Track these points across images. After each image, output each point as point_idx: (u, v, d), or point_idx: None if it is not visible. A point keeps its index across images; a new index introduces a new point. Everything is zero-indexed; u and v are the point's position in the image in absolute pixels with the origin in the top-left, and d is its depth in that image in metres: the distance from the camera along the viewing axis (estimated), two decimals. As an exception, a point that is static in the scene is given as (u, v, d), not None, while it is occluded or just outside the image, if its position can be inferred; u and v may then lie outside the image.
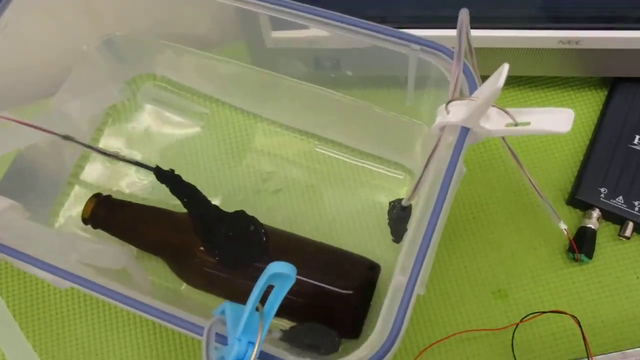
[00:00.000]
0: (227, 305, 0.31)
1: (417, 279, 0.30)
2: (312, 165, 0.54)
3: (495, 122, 0.32)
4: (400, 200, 0.44)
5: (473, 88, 0.34)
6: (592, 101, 0.56)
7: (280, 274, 0.27)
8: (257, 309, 0.28)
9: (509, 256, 0.51)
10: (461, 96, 0.34)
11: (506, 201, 0.53)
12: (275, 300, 0.28)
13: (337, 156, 0.54)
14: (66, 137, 0.43)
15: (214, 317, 0.31)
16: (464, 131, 0.33)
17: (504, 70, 0.27)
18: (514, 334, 0.48)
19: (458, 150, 0.33)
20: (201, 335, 0.30)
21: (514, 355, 0.47)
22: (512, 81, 0.57)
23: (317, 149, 0.55)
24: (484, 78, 0.32)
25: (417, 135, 0.47)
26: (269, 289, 0.29)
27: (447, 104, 0.34)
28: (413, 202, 0.42)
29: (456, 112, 0.33)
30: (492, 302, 0.50)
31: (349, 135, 0.53)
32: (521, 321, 0.48)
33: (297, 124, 0.55)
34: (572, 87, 0.57)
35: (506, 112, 0.31)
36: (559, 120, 0.30)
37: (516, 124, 0.31)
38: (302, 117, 0.54)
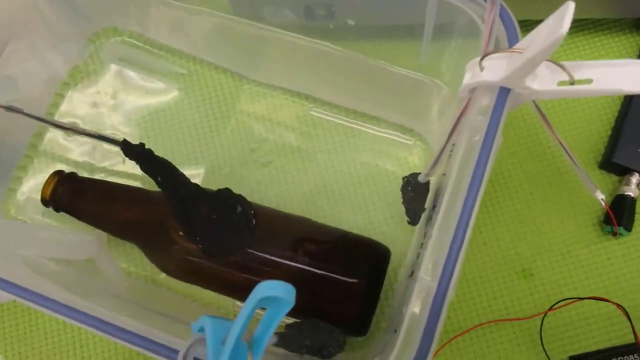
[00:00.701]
0: (208, 322, 0.24)
1: (451, 283, 0.24)
2: (308, 131, 0.47)
3: (544, 80, 0.25)
4: (415, 175, 0.38)
5: (513, 38, 0.26)
6: (627, 46, 0.49)
7: (274, 298, 0.20)
8: (244, 338, 0.22)
9: (534, 230, 0.45)
10: (497, 48, 0.27)
11: (529, 166, 0.46)
12: (268, 327, 0.22)
13: (335, 120, 0.47)
14: (10, 108, 0.36)
15: (192, 337, 0.25)
16: (504, 93, 0.26)
17: (569, 10, 0.20)
18: (542, 323, 0.42)
19: (497, 117, 0.26)
20: (175, 360, 0.24)
21: (542, 344, 0.41)
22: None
23: (313, 112, 0.47)
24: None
25: (433, 97, 0.40)
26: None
27: (482, 58, 0.27)
28: (432, 178, 0.35)
29: (493, 69, 0.25)
30: (515, 282, 0.44)
31: (350, 95, 0.46)
32: (550, 309, 0.42)
33: (289, 84, 0.47)
34: (603, 31, 0.50)
35: (561, 67, 0.24)
36: (631, 75, 0.23)
37: (573, 82, 0.24)
38: (295, 76, 0.47)
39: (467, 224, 0.25)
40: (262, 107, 0.48)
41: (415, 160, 0.46)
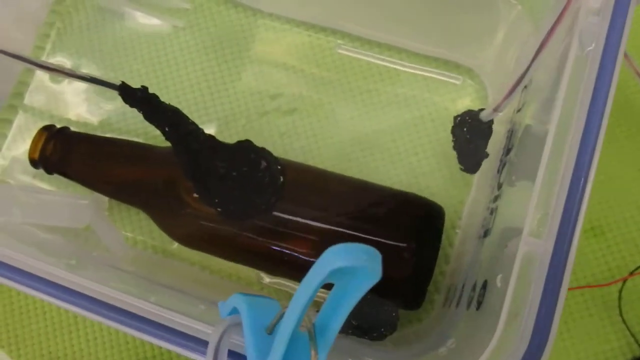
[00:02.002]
0: (243, 303, 0.18)
1: (573, 243, 0.17)
2: (335, 72, 0.40)
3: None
4: (473, 112, 0.31)
5: None
6: None
7: (351, 269, 0.14)
8: (302, 325, 0.16)
9: (606, 181, 0.38)
10: None
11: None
12: (338, 310, 0.15)
13: (368, 58, 0.40)
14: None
15: (222, 323, 0.18)
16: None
17: None
18: (621, 290, 0.36)
19: (623, 14, 0.19)
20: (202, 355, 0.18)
21: (621, 314, 0.35)
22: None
23: (341, 50, 0.40)
24: None
25: (499, 19, 0.33)
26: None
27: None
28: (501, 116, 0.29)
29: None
30: (584, 242, 0.37)
31: (384, 26, 0.39)
32: (630, 275, 0.35)
33: (312, 16, 0.40)
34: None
35: None
36: None
37: None
38: (318, 6, 0.40)
39: (589, 163, 0.18)
40: (281, 47, 0.41)
41: (465, 103, 0.39)
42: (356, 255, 0.14)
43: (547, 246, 0.18)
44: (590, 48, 0.20)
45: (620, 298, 0.36)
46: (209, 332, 0.19)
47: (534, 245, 0.18)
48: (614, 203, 0.38)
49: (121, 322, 0.20)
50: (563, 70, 0.20)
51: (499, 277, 0.20)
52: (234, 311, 0.19)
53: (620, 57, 0.20)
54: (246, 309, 0.18)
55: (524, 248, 0.18)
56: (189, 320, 0.19)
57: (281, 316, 0.17)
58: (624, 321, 0.35)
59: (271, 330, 0.17)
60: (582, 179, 0.19)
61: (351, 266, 0.14)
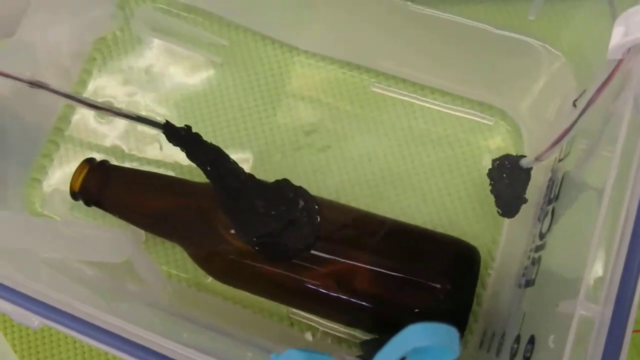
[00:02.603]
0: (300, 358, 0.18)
1: (631, 313, 0.18)
2: (369, 109, 0.41)
3: None
4: (512, 157, 0.31)
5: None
6: None
7: (430, 348, 0.14)
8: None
9: None
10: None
11: None
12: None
13: (402, 97, 0.41)
14: (34, 84, 0.30)
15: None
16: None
17: None
18: None
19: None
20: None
21: None
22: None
23: (375, 89, 0.41)
24: None
25: (540, 68, 0.33)
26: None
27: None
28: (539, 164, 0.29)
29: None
30: None
31: (420, 66, 0.40)
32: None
33: (346, 54, 0.41)
34: None
35: None
36: None
37: None
38: (353, 44, 0.40)
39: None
40: (316, 83, 0.41)
41: (497, 143, 0.39)
42: (438, 336, 0.14)
43: (605, 312, 0.18)
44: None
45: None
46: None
47: (591, 311, 0.18)
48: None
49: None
50: (619, 130, 0.21)
51: (552, 337, 0.20)
52: (288, 364, 0.19)
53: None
54: (302, 363, 0.18)
55: (580, 312, 0.18)
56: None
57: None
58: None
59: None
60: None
61: (428, 346, 0.14)
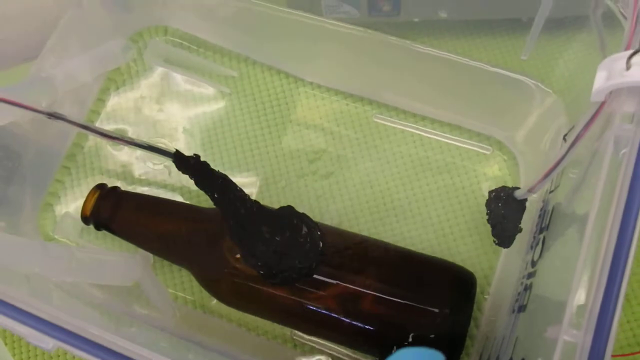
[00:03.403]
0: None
1: (610, 337, 0.19)
2: (371, 139, 0.42)
3: None
4: (507, 189, 0.33)
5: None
6: None
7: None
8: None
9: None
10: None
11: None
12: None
13: (403, 127, 0.42)
14: (52, 115, 0.32)
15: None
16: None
17: None
18: None
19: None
20: None
21: None
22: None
23: (377, 119, 0.43)
24: None
25: (533, 104, 0.35)
26: None
27: (631, 56, 0.22)
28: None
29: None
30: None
31: (420, 99, 0.41)
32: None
33: (351, 87, 0.43)
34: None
35: None
36: None
37: None
38: (357, 77, 0.42)
39: (626, 257, 0.20)
40: (320, 113, 0.43)
41: (494, 172, 0.41)
42: None
43: (586, 338, 0.19)
44: (625, 151, 0.22)
45: (648, 370, 0.36)
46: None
47: (573, 337, 0.20)
48: (638, 270, 0.39)
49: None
50: (600, 167, 0.22)
51: (539, 360, 0.21)
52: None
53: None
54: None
55: (564, 337, 0.20)
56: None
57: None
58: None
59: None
60: (619, 273, 0.20)
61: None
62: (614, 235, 0.20)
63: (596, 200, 0.21)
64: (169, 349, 0.32)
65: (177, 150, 0.34)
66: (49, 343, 0.22)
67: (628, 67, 0.22)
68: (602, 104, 0.24)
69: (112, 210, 0.38)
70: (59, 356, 0.40)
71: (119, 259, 0.35)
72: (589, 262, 0.21)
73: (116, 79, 0.44)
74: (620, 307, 0.20)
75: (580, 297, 0.20)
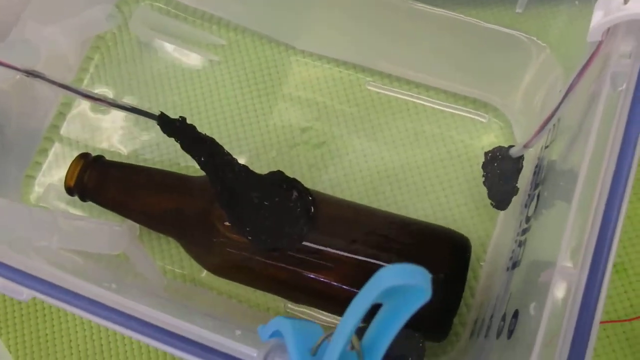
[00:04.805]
0: (287, 326, 0.19)
1: (607, 271, 0.18)
2: (364, 107, 0.41)
3: None
4: (503, 148, 0.32)
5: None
6: None
7: (402, 288, 0.14)
8: (351, 346, 0.16)
9: (626, 219, 0.38)
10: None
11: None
12: (387, 330, 0.16)
13: (397, 95, 0.41)
14: (30, 73, 0.30)
15: (266, 344, 0.19)
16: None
17: None
18: None
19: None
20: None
21: None
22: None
23: (370, 87, 0.42)
24: None
25: (528, 61, 0.34)
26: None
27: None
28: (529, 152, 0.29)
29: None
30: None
31: (414, 65, 0.40)
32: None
33: (343, 54, 0.42)
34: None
35: None
36: None
37: None
38: (350, 44, 0.41)
39: (622, 195, 0.19)
40: (312, 82, 0.42)
41: (490, 139, 0.40)
42: (410, 274, 0.14)
43: (581, 276, 0.18)
44: (622, 88, 0.21)
45: (648, 339, 0.35)
46: (252, 355, 0.19)
47: (568, 275, 0.19)
48: (636, 240, 0.38)
49: (164, 342, 0.20)
50: (596, 107, 0.21)
51: (532, 305, 0.20)
52: (276, 334, 0.19)
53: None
54: (291, 330, 0.18)
55: (558, 277, 0.19)
56: (232, 343, 0.20)
57: (325, 338, 0.17)
58: (652, 361, 0.35)
59: (315, 352, 0.18)
60: (615, 212, 0.19)
61: (404, 285, 0.14)
62: (609, 172, 0.19)
63: (592, 137, 0.20)
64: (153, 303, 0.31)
65: (162, 113, 0.33)
66: (22, 293, 0.21)
67: (626, 1, 0.21)
68: (600, 43, 0.23)
69: (97, 180, 0.36)
70: (46, 335, 0.39)
71: (105, 228, 0.34)
72: (583, 206, 0.20)
73: (100, 46, 0.43)
74: (616, 244, 0.19)
75: (574, 238, 0.19)
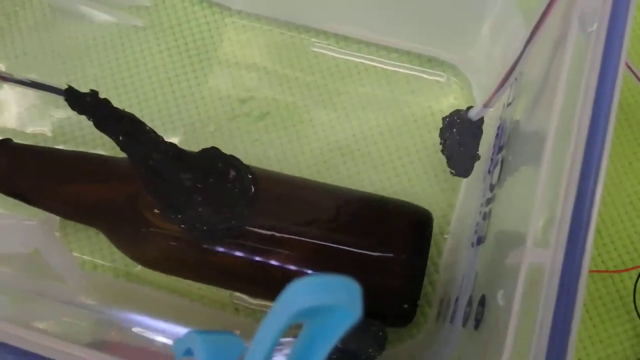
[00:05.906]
0: (198, 342, 0.15)
1: (586, 250, 0.15)
2: (310, 73, 0.37)
3: None
4: (461, 112, 0.28)
5: None
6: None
7: (325, 308, 0.10)
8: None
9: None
10: None
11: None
12: (314, 355, 0.12)
13: (344, 56, 0.37)
14: None
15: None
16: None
17: None
18: (637, 280, 0.33)
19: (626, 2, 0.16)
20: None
21: (635, 304, 0.33)
22: None
23: (316, 49, 0.37)
24: None
25: (484, 11, 0.30)
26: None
27: None
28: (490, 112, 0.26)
29: None
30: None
31: (361, 21, 0.36)
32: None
33: (283, 13, 0.37)
34: None
35: None
36: None
37: None
38: (290, 1, 0.37)
39: (600, 156, 0.16)
40: (251, 46, 0.38)
41: (449, 101, 0.36)
42: (328, 292, 0.10)
43: (556, 256, 0.15)
44: (593, 28, 0.17)
45: (635, 289, 0.33)
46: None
47: (540, 256, 0.15)
48: (607, 200, 0.35)
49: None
50: (562, 54, 0.18)
51: (500, 293, 0.17)
52: (189, 352, 0.16)
53: (628, 35, 0.17)
54: (202, 349, 0.14)
55: (528, 260, 0.15)
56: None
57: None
58: (637, 311, 0.33)
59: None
60: (593, 174, 0.16)
61: (322, 305, 0.10)
62: (584, 126, 0.16)
63: (560, 91, 0.17)
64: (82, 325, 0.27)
65: (69, 86, 0.28)
66: None
67: None
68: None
69: (5, 167, 0.32)
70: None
71: (12, 222, 0.29)
72: (555, 170, 0.16)
73: (7, 9, 0.37)
74: (596, 215, 0.16)
75: (545, 210, 0.16)
